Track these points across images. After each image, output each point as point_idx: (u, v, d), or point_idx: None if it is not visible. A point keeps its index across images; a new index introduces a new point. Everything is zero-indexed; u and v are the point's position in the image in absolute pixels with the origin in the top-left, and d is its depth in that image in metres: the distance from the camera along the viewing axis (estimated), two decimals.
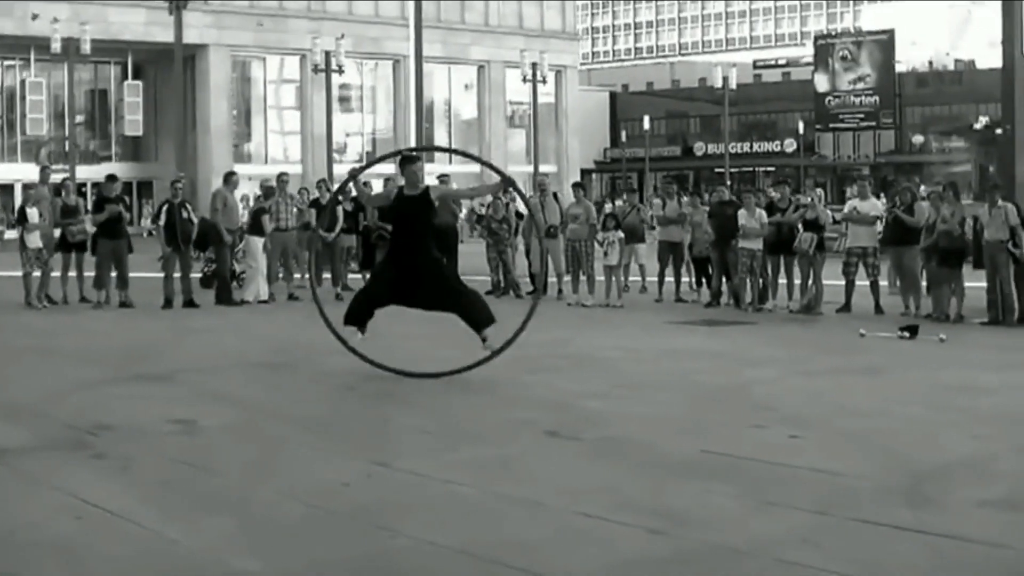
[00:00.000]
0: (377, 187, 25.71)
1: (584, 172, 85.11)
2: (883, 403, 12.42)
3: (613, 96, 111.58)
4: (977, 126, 54.12)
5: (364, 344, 14.36)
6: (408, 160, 14.72)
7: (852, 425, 11.16)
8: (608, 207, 37.02)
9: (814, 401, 12.56)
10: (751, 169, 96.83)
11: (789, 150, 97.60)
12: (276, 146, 70.03)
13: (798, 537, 7.47)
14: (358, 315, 14.35)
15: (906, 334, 18.20)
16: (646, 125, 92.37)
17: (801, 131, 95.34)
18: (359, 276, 25.51)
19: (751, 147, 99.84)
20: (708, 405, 12.35)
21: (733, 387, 13.54)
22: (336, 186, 27.49)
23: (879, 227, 22.74)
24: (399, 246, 14.51)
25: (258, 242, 23.38)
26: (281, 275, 24.56)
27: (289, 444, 10.21)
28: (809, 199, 23.84)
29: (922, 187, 30.13)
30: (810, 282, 21.95)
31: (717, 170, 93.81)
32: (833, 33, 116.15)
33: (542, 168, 64.56)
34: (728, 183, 71.68)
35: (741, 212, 22.33)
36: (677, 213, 24.77)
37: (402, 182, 14.87)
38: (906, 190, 23.18)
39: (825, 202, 27.40)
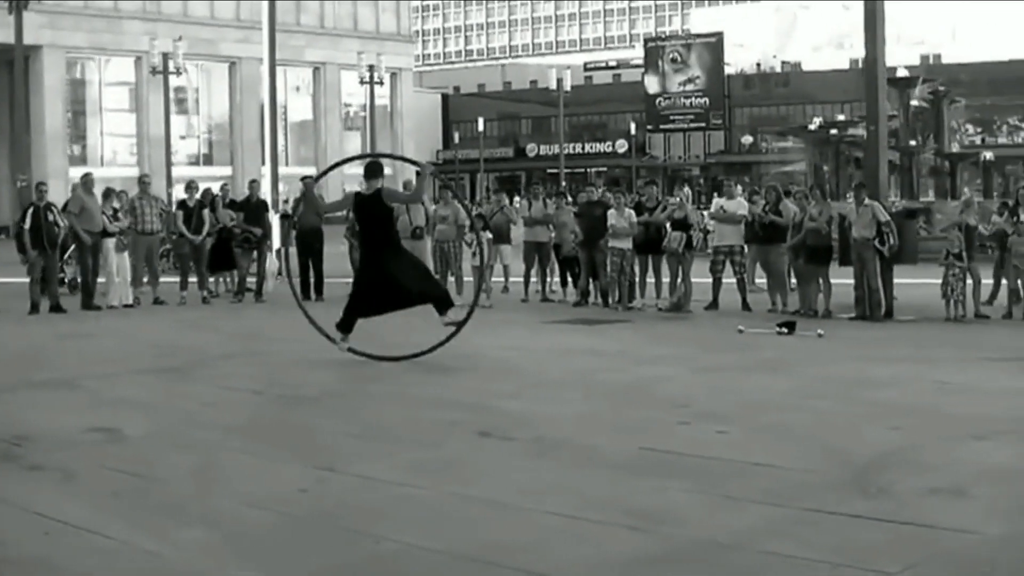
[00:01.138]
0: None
1: (417, 174, 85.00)
2: (791, 398, 12.65)
3: (445, 98, 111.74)
4: (812, 127, 55.15)
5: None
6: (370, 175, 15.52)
7: (771, 419, 11.35)
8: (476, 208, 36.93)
9: (723, 397, 12.73)
10: (583, 170, 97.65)
11: (621, 151, 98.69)
12: (111, 148, 68.84)
13: (772, 530, 7.57)
14: (349, 323, 15.36)
15: (784, 330, 18.53)
16: (480, 126, 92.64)
17: (632, 132, 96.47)
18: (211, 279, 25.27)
19: (583, 148, 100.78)
20: (623, 403, 12.43)
21: (639, 385, 13.66)
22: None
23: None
24: (370, 249, 15.68)
25: (110, 245, 22.96)
26: (147, 279, 24.00)
27: (223, 451, 10.04)
28: (677, 199, 24.16)
29: (738, 187, 30.70)
30: (679, 280, 22.22)
31: (550, 171, 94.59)
32: (663, 36, 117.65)
33: None
34: (563, 183, 72.44)
35: (611, 212, 22.48)
36: (543, 214, 24.85)
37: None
38: (771, 189, 23.53)
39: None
